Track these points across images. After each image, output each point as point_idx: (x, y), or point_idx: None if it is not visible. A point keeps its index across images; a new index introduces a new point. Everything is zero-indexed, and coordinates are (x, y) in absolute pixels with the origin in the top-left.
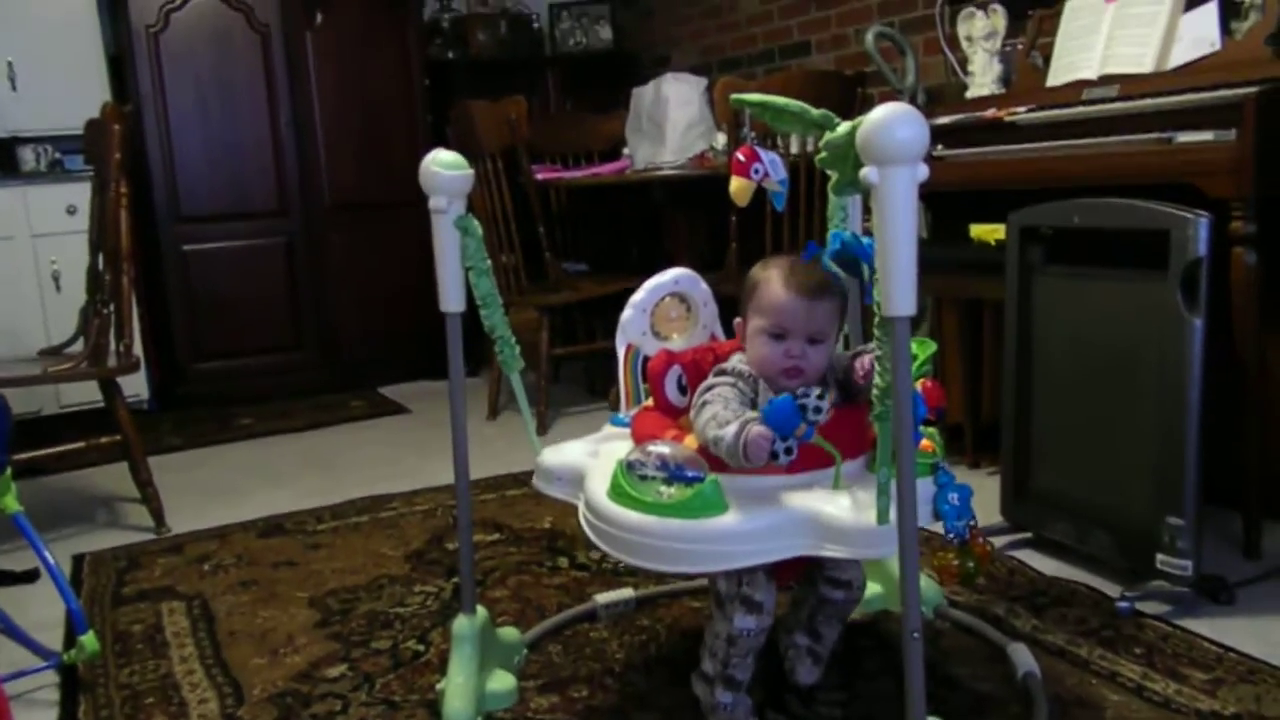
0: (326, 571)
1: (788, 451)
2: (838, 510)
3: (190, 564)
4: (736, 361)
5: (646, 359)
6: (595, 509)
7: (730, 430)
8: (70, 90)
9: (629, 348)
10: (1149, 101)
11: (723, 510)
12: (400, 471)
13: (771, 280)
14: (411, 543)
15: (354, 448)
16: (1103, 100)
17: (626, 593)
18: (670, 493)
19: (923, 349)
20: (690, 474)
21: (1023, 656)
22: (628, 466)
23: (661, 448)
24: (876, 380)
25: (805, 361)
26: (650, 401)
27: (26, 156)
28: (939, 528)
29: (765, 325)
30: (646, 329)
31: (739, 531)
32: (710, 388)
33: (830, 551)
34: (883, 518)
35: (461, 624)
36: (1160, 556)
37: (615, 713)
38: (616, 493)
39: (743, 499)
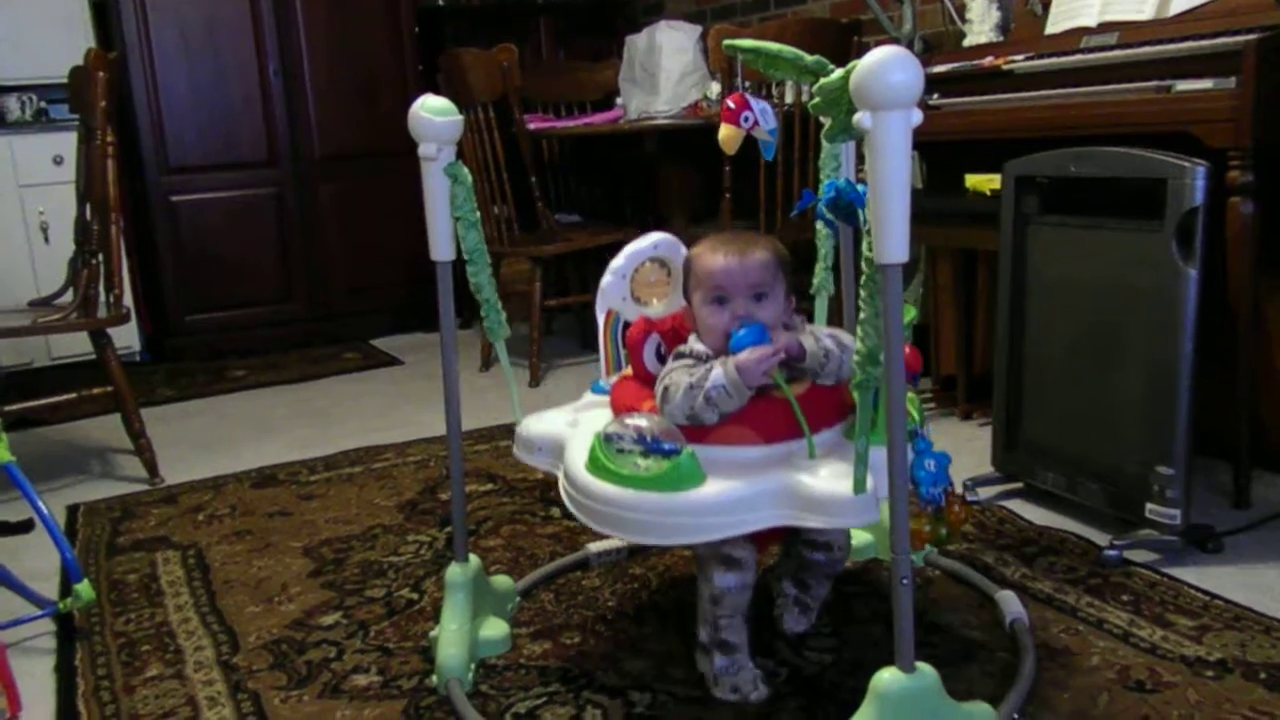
0: (320, 521)
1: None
2: (815, 480)
3: (184, 514)
4: (694, 342)
5: (627, 325)
6: (574, 482)
7: (714, 374)
8: (54, 37)
9: (609, 314)
10: (1148, 49)
11: (700, 482)
12: (393, 423)
13: (702, 253)
14: (405, 493)
15: (346, 399)
16: (1102, 48)
17: (618, 542)
18: (648, 465)
19: (904, 314)
20: (667, 446)
21: (1011, 604)
22: (605, 439)
23: (639, 420)
24: (858, 346)
25: (754, 320)
26: (629, 370)
27: (11, 105)
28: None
29: (706, 294)
30: (626, 295)
31: (716, 503)
32: (669, 373)
33: (808, 521)
34: (859, 487)
35: (454, 572)
36: (1150, 506)
37: (607, 659)
38: (595, 465)
39: (720, 470)
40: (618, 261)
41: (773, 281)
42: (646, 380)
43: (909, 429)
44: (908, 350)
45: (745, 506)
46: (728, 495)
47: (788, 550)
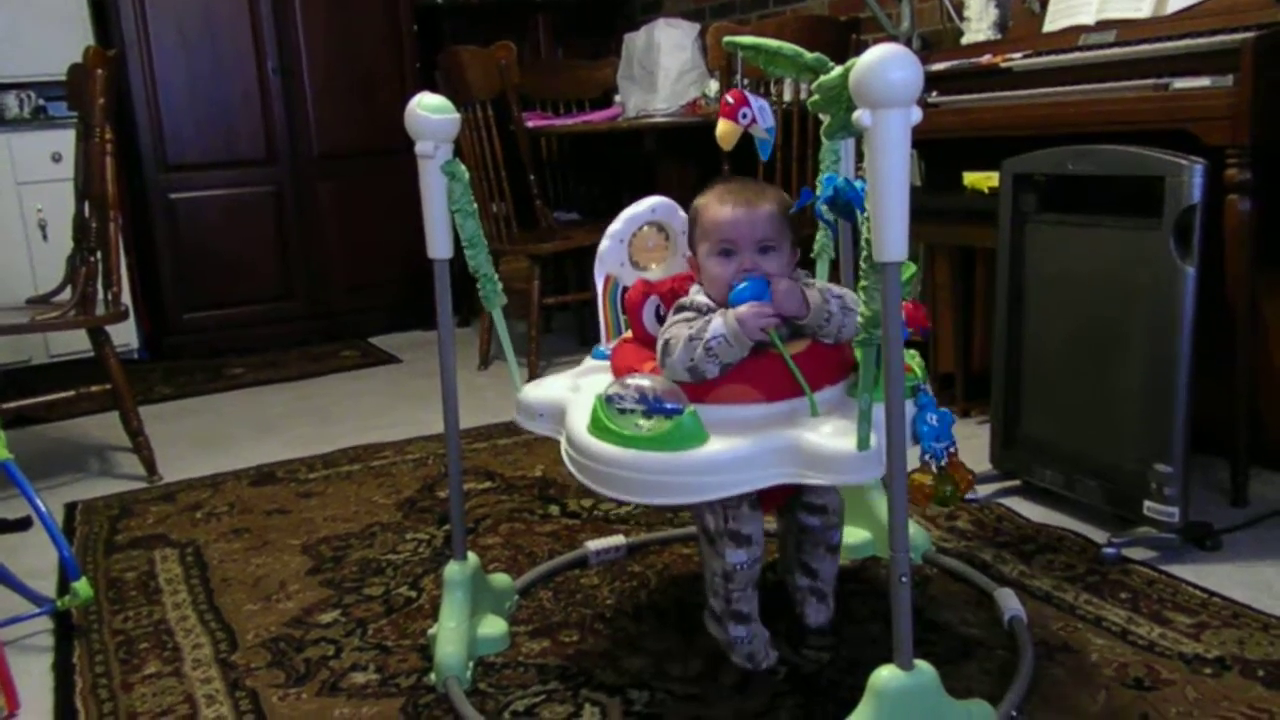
0: (318, 519)
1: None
2: (818, 437)
3: (182, 512)
4: (695, 293)
5: (625, 290)
6: (576, 444)
7: (714, 324)
8: (53, 35)
9: (607, 279)
10: (1146, 47)
11: (703, 441)
12: (391, 421)
13: (709, 203)
14: (403, 491)
15: (345, 397)
16: (1100, 46)
17: (617, 540)
18: (650, 425)
19: (904, 270)
20: (669, 406)
21: (1009, 601)
22: (607, 400)
23: (640, 380)
24: (861, 309)
25: (759, 273)
26: (629, 333)
27: (10, 103)
28: (917, 451)
29: (713, 246)
30: (624, 259)
31: (719, 461)
32: (669, 327)
33: (811, 479)
34: (863, 444)
35: (453, 570)
36: (1148, 503)
37: (605, 657)
38: (597, 427)
39: (722, 429)
40: (615, 226)
41: (779, 235)
42: (646, 342)
43: (912, 384)
44: (909, 306)
45: (748, 465)
46: (731, 454)
47: (787, 525)
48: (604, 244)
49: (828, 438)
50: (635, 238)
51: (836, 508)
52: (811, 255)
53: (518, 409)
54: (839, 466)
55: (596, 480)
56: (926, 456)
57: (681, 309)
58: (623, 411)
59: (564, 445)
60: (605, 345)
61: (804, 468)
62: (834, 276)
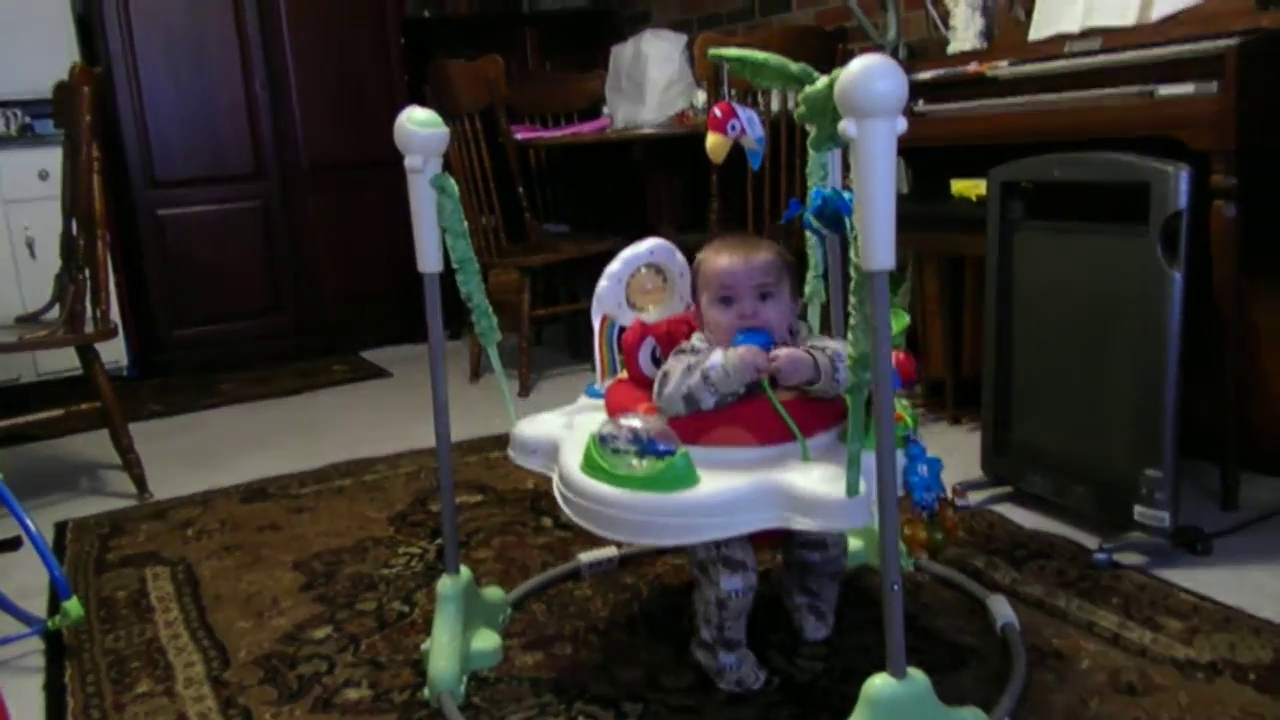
0: (310, 535)
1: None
2: (808, 482)
3: (173, 529)
4: (696, 340)
5: (622, 330)
6: (568, 482)
7: (713, 355)
8: (38, 52)
9: (604, 319)
10: (1131, 54)
11: (694, 483)
12: (383, 435)
13: (708, 255)
14: (395, 505)
15: (336, 412)
16: (1085, 54)
17: (610, 551)
18: (642, 466)
19: (896, 322)
20: (662, 447)
21: (1002, 608)
22: (600, 439)
23: (634, 421)
24: (850, 351)
25: (759, 319)
26: (624, 373)
27: None
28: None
29: (713, 294)
30: (622, 300)
31: (710, 504)
32: (668, 364)
33: (800, 524)
34: (852, 489)
35: (445, 584)
36: (1138, 508)
37: (599, 669)
38: (589, 465)
39: (714, 471)
40: (614, 267)
41: (777, 283)
42: (641, 382)
43: (902, 434)
44: (901, 357)
45: (739, 508)
46: (721, 496)
47: (787, 558)
48: (602, 284)
49: (817, 483)
50: (633, 279)
51: (839, 543)
52: (802, 300)
53: (511, 444)
54: (827, 512)
55: (587, 518)
56: (919, 509)
57: (681, 352)
58: (616, 451)
59: (556, 482)
60: (600, 384)
61: (793, 512)
62: (825, 319)
